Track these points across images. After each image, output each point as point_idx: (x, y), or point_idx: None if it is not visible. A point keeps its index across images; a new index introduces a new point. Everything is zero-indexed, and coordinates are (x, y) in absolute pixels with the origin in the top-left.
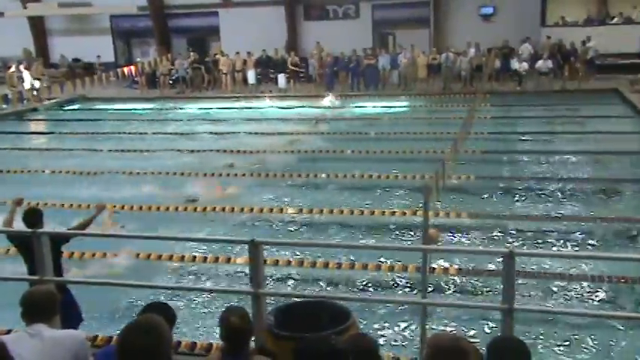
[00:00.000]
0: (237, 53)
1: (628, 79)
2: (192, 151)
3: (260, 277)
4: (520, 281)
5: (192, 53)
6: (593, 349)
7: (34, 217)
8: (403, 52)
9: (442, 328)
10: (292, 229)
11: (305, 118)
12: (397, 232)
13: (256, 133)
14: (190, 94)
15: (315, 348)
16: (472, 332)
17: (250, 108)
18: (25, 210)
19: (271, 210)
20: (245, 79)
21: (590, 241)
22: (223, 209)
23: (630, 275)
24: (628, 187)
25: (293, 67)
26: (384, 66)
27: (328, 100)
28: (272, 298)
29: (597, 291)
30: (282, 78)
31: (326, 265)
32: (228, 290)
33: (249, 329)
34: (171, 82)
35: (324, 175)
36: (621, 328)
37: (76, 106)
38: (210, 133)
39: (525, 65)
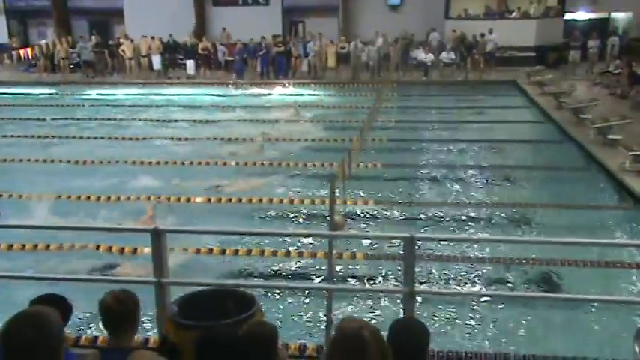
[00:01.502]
0: (144, 37)
1: (525, 71)
2: (94, 138)
3: (163, 265)
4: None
5: (93, 36)
6: (490, 328)
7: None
8: (312, 41)
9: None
10: (199, 217)
11: (210, 105)
12: (305, 220)
13: (162, 121)
14: (93, 79)
15: (218, 339)
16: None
17: (157, 94)
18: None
19: (179, 199)
20: (151, 65)
21: (489, 225)
22: (129, 198)
23: (524, 257)
24: (524, 174)
25: (203, 52)
26: (296, 53)
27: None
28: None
29: (495, 272)
30: (190, 64)
31: (235, 253)
32: (131, 280)
33: (125, 313)
34: (72, 65)
35: (233, 163)
36: (516, 307)
37: None
38: (112, 119)
39: (431, 56)
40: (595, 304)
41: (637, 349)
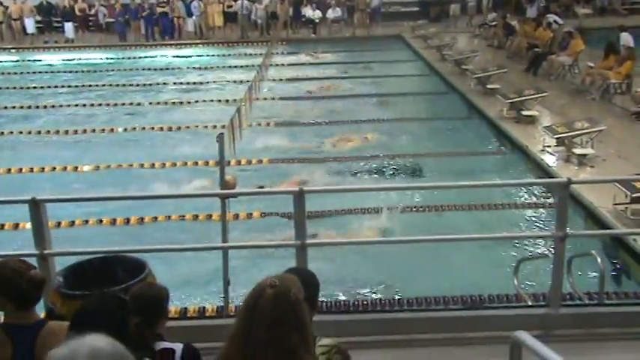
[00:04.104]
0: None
1: (410, 26)
2: None
3: (45, 236)
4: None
5: None
6: (382, 272)
7: None
8: (196, 0)
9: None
10: (83, 185)
11: (94, 70)
12: (199, 182)
13: (41, 87)
14: None
15: (95, 306)
16: None
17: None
18: None
19: (65, 168)
20: (25, 29)
21: (380, 176)
22: (9, 170)
23: (415, 205)
24: (413, 125)
25: (81, 13)
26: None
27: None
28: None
29: (386, 219)
30: (69, 27)
31: (127, 222)
32: (11, 255)
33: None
34: None
35: (120, 129)
36: (407, 250)
37: None
38: None
39: (319, 13)
40: (478, 242)
41: (516, 281)
